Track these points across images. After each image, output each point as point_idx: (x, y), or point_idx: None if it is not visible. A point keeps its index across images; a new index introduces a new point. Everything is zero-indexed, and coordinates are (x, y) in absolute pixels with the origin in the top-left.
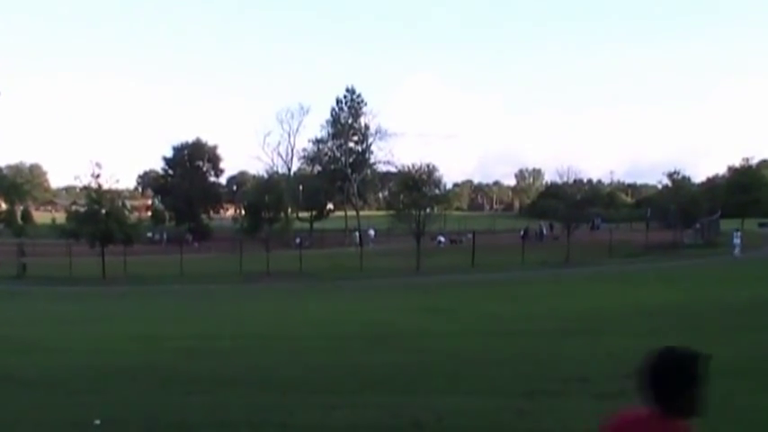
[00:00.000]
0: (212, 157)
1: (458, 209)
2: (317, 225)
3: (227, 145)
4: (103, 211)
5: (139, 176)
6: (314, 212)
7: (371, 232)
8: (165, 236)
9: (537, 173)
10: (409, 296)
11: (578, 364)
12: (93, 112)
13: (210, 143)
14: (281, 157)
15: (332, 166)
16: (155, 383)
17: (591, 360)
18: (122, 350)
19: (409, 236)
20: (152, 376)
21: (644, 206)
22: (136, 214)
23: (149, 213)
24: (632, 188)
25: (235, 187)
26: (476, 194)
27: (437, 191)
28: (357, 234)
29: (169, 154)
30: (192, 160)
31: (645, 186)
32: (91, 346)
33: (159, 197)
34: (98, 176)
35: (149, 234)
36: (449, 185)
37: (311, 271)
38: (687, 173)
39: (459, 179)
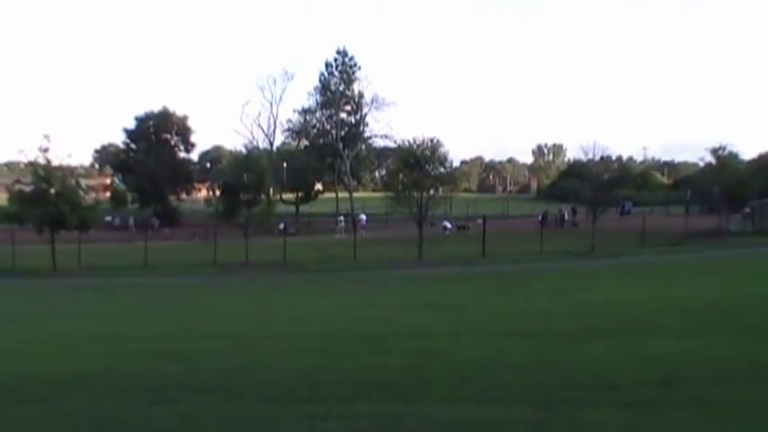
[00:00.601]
0: (182, 130)
1: (466, 190)
2: (303, 209)
3: (199, 116)
4: (53, 190)
5: (96, 151)
6: (300, 194)
7: (363, 217)
8: (131, 221)
9: (558, 149)
10: (409, 290)
11: (605, 370)
12: (41, 76)
13: (179, 113)
14: (262, 129)
15: (321, 141)
16: (114, 392)
17: (619, 365)
18: (76, 353)
19: (410, 221)
20: (110, 383)
21: (683, 187)
22: (92, 195)
23: (108, 194)
24: (669, 166)
25: (208, 164)
26: (487, 174)
27: (442, 169)
28: (342, 219)
29: (131, 126)
30: (158, 133)
31: (684, 164)
32: (38, 348)
33: (120, 175)
34: (46, 150)
35: (108, 218)
36: (455, 163)
37: (297, 261)
38: (734, 148)
39: (468, 156)
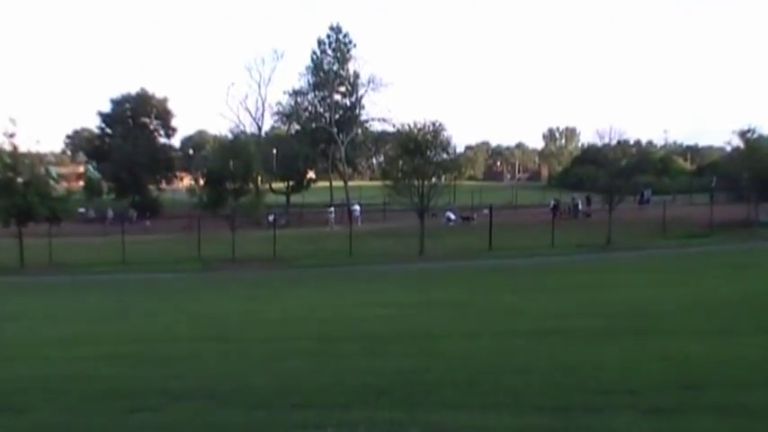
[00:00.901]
0: (162, 113)
1: (471, 178)
2: (295, 199)
3: (181, 98)
4: (20, 180)
5: (68, 137)
6: (291, 183)
7: (357, 207)
8: (110, 213)
9: (570, 133)
10: (410, 287)
11: (624, 373)
12: (6, 55)
13: (159, 95)
14: (250, 113)
15: (313, 125)
16: (89, 399)
17: (640, 367)
18: (46, 357)
19: (410, 212)
20: (85, 389)
21: (708, 174)
22: (64, 185)
23: (81, 184)
24: (692, 151)
25: (191, 151)
26: (494, 160)
27: (445, 155)
28: (332, 210)
29: (106, 109)
30: (135, 117)
31: (708, 149)
32: (4, 352)
33: (94, 163)
34: (13, 136)
35: (82, 210)
36: (460, 149)
37: (288, 256)
38: (764, 131)
39: (474, 141)
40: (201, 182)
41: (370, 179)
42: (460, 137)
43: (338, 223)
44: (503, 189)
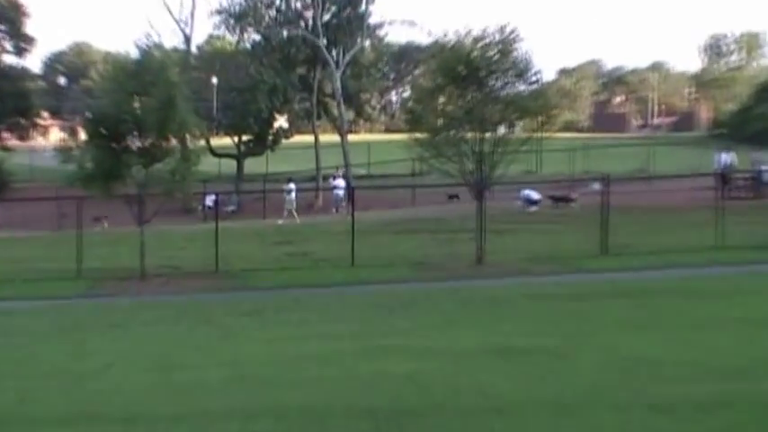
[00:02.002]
0: (10, 14)
1: (568, 128)
2: (253, 165)
3: None
4: None
5: None
6: (246, 138)
7: (339, 183)
8: None
9: (752, 42)
10: (459, 322)
11: None
12: None
13: None
14: (170, 11)
15: (284, 32)
16: None
17: None
18: None
19: (458, 190)
20: None
21: None
22: None
23: None
24: None
25: (62, 80)
26: (609, 95)
27: (521, 86)
28: (292, 188)
29: None
30: None
31: None
32: None
33: None
34: None
35: None
36: (548, 75)
37: (240, 268)
38: None
39: (574, 61)
40: (82, 136)
41: (387, 131)
42: (550, 54)
43: (290, 214)
44: (627, 145)
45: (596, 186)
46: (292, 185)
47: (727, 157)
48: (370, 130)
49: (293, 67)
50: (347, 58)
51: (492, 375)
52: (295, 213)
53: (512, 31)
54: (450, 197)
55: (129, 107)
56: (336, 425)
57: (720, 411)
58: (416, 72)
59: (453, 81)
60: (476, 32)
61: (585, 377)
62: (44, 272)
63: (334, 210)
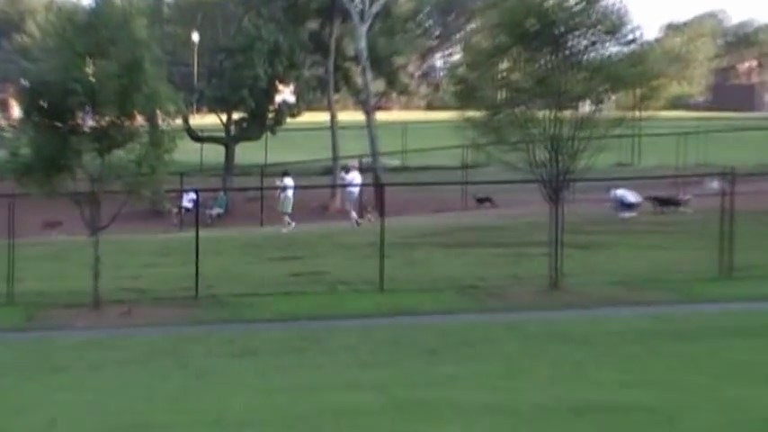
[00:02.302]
0: None
1: (677, 105)
2: (247, 153)
3: None
4: None
5: None
6: (239, 117)
7: (350, 178)
8: None
9: None
10: (525, 369)
11: None
12: None
13: None
14: None
15: None
16: None
17: None
18: None
19: (527, 189)
20: None
21: None
22: None
23: None
24: None
25: None
26: (734, 61)
27: (613, 48)
28: (287, 181)
29: None
30: None
31: None
32: None
33: None
34: None
35: None
36: (650, 33)
37: (228, 293)
38: None
39: (685, 15)
40: (16, 111)
41: (429, 108)
42: (652, 4)
43: (289, 222)
44: (757, 129)
45: (715, 185)
46: (289, 181)
47: None
48: (407, 107)
49: (302, 19)
50: (375, 7)
51: None
52: (288, 218)
53: None
54: (480, 200)
55: (80, 73)
56: None
57: None
58: (470, 28)
59: (520, 40)
60: None
61: None
62: None
63: (353, 215)
